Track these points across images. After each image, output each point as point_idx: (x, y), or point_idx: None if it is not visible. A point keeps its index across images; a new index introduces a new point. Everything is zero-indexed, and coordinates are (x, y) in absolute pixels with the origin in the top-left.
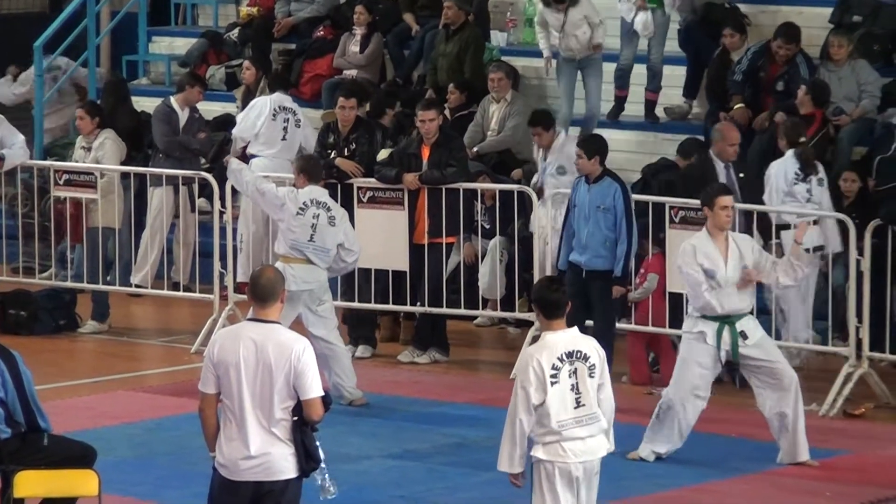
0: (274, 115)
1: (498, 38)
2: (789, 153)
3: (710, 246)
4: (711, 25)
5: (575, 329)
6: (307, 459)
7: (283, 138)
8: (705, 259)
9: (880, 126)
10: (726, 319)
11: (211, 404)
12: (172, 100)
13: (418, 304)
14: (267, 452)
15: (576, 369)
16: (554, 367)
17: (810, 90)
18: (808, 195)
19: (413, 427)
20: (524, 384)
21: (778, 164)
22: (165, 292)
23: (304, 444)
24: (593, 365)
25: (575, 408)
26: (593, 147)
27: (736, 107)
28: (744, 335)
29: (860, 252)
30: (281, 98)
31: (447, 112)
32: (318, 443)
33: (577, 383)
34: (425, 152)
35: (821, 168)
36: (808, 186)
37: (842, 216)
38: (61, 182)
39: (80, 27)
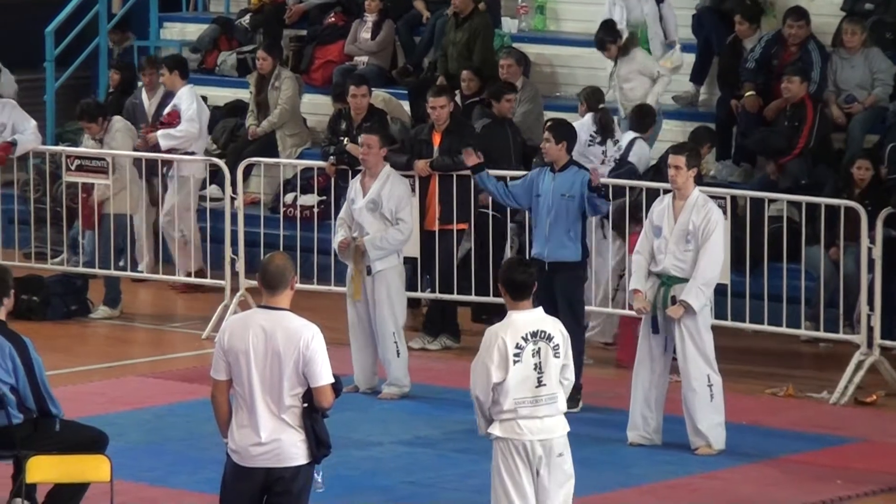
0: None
1: (509, 24)
2: (588, 116)
3: (666, 203)
4: (724, 13)
5: (540, 309)
6: (318, 446)
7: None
8: (654, 215)
9: (892, 114)
10: (663, 279)
11: (222, 391)
12: (142, 89)
13: (429, 290)
14: (277, 439)
15: (539, 349)
16: (518, 346)
17: (804, 77)
18: (603, 156)
19: (424, 413)
20: (485, 361)
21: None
22: (176, 278)
23: (314, 430)
24: (557, 345)
25: (536, 387)
26: (561, 133)
27: (747, 94)
28: (674, 300)
29: (872, 240)
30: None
31: (458, 99)
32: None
33: (540, 363)
34: (436, 139)
35: (619, 132)
36: (604, 148)
37: (853, 204)
38: (73, 168)
39: (91, 13)
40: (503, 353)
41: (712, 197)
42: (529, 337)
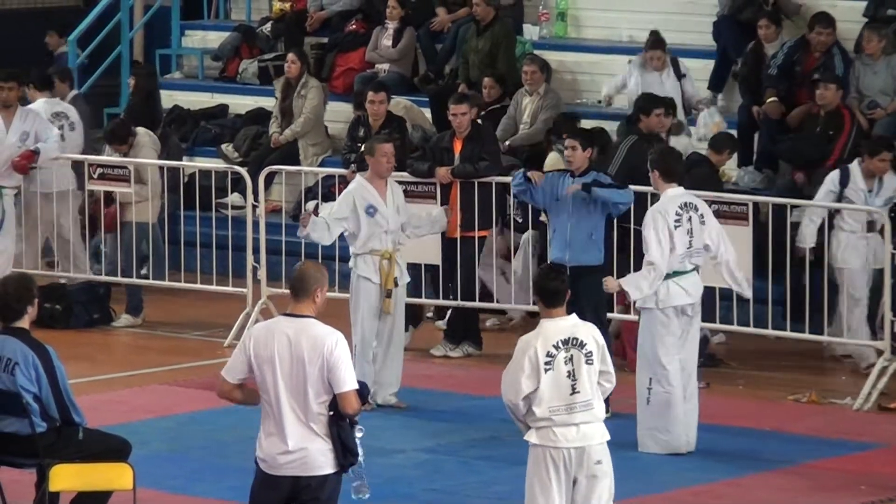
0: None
1: (530, 31)
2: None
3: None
4: (742, 21)
5: (574, 316)
6: (344, 454)
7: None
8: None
9: None
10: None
11: (228, 391)
12: None
13: (451, 297)
14: (304, 447)
15: (572, 356)
16: (549, 354)
17: (839, 85)
18: None
19: (446, 421)
20: (516, 369)
21: None
22: (198, 286)
23: (340, 438)
24: (590, 352)
25: (570, 394)
26: (590, 140)
27: (769, 100)
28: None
29: None
30: (52, 104)
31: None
32: (358, 439)
33: (573, 370)
34: (457, 146)
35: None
36: None
37: (877, 210)
38: (95, 176)
39: (113, 21)
40: (534, 363)
41: (734, 204)
42: (561, 345)
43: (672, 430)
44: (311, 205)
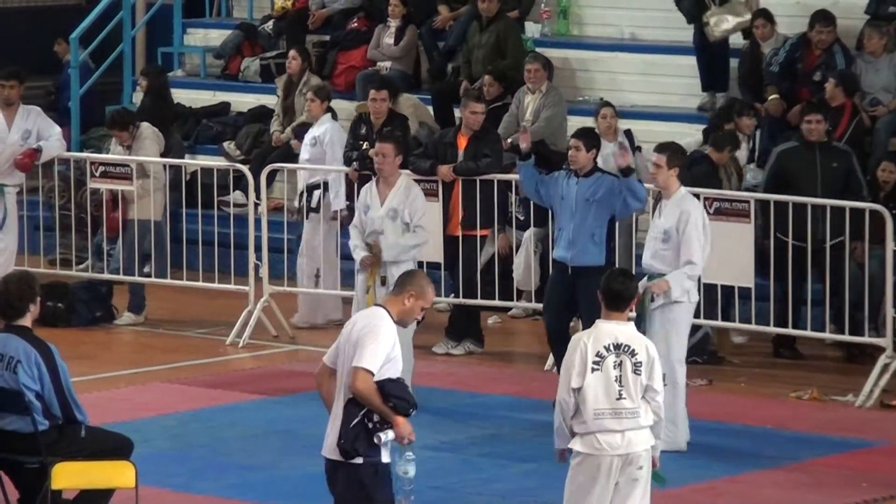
0: None
1: (532, 29)
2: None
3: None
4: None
5: (631, 325)
6: (342, 438)
7: None
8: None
9: None
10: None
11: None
12: None
13: (452, 295)
14: (335, 429)
15: (621, 362)
16: (598, 355)
17: (840, 81)
18: None
19: (448, 418)
20: (568, 366)
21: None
22: (200, 284)
23: (344, 424)
24: (639, 362)
25: (617, 399)
26: (592, 141)
27: (770, 98)
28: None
29: None
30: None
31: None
32: (384, 446)
33: (620, 376)
34: (461, 142)
35: None
36: None
37: (878, 207)
38: (97, 174)
39: (115, 19)
40: (584, 359)
41: (735, 201)
42: (612, 348)
43: (678, 426)
44: (312, 200)
